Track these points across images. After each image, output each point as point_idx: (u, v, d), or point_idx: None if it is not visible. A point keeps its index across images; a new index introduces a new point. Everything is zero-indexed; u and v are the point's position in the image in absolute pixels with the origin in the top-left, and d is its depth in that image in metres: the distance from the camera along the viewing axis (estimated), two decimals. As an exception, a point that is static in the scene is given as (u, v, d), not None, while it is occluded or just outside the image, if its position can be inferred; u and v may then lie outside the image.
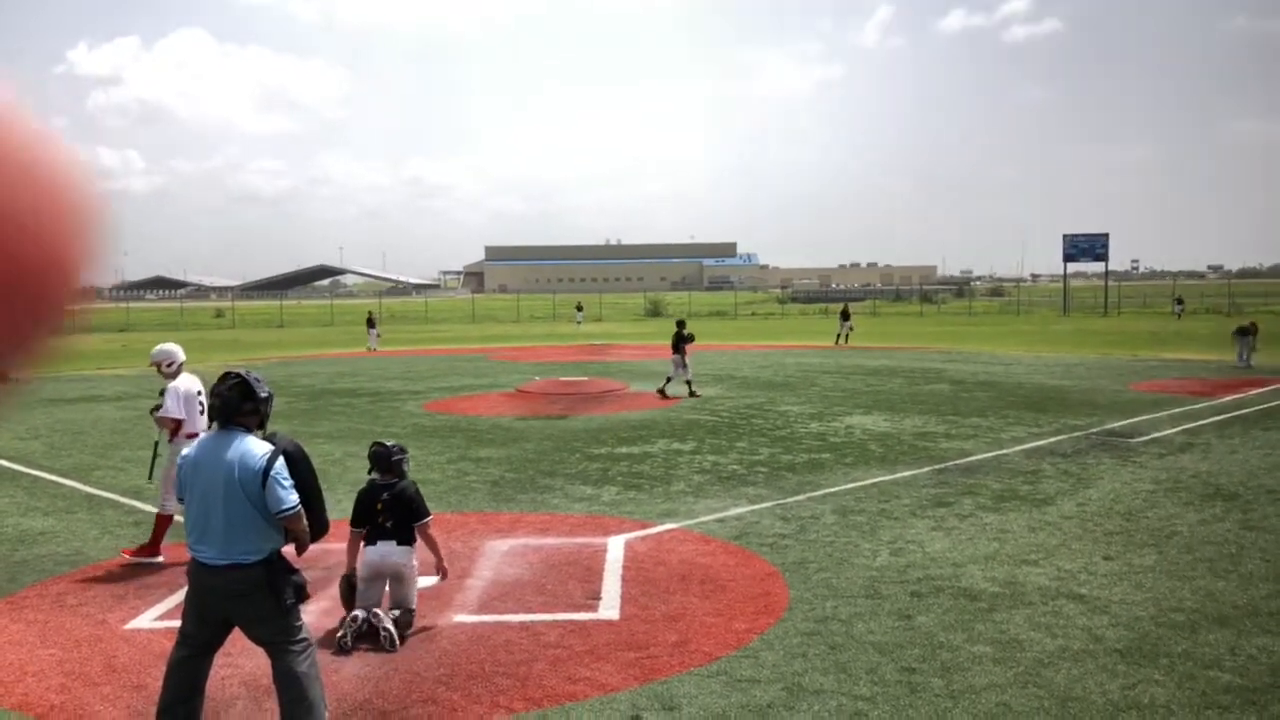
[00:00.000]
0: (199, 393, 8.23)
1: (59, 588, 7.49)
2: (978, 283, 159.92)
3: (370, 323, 41.05)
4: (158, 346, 8.59)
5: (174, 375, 8.36)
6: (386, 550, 6.46)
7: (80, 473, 12.27)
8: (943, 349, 33.94)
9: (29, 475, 12.23)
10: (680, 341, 20.10)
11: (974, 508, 9.69)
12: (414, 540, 6.58)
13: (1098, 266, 73.52)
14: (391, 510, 6.55)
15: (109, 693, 5.50)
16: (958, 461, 12.20)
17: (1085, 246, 70.61)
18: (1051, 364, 26.88)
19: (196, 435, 7.77)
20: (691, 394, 19.61)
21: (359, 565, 6.50)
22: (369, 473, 6.81)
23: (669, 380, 19.96)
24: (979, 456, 12.54)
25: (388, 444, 6.83)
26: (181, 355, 8.55)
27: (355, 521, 6.59)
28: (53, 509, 10.28)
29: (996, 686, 5.41)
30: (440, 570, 6.74)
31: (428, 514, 6.70)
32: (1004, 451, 12.89)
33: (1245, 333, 25.33)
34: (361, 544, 6.58)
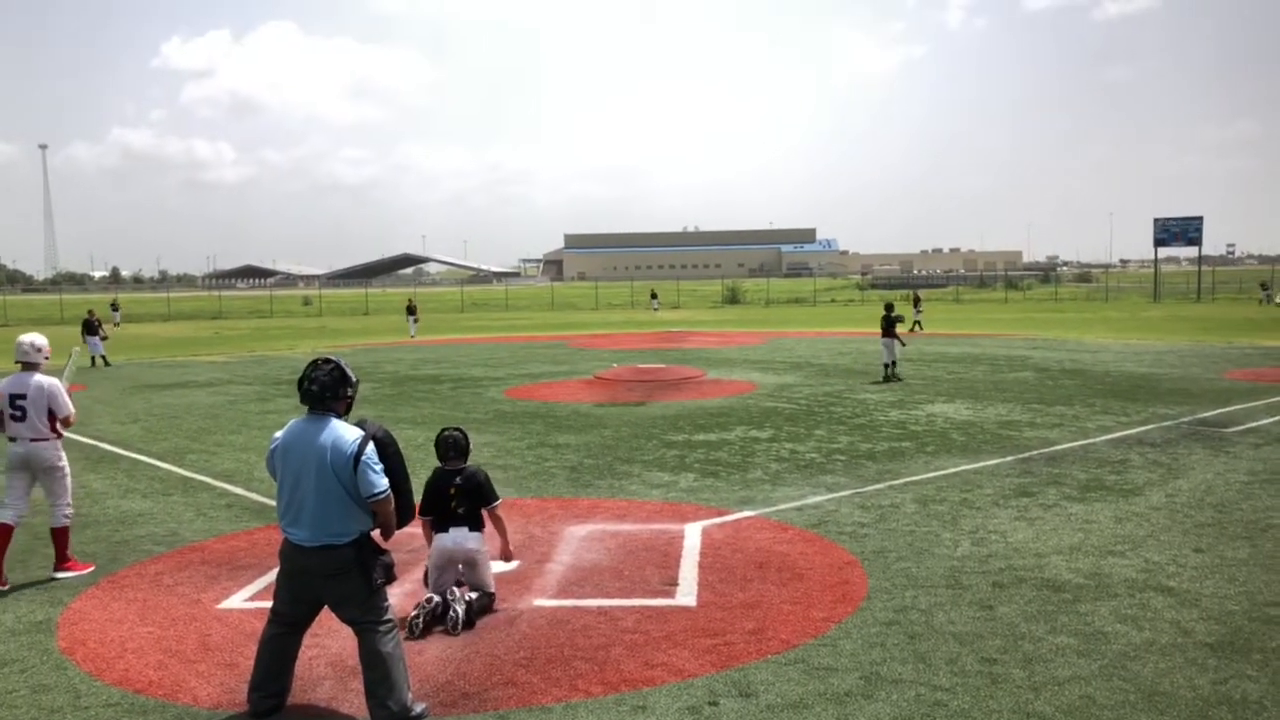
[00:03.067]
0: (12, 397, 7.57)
1: (157, 567, 7.81)
2: (1064, 268, 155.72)
3: (410, 310, 41.79)
4: (35, 338, 7.84)
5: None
6: (459, 536, 6.55)
7: (175, 456, 12.74)
8: (1027, 336, 33.20)
9: (128, 458, 12.74)
10: (890, 325, 20.35)
11: (1058, 498, 9.49)
12: (484, 526, 6.68)
13: (1190, 251, 71.13)
14: (463, 496, 6.60)
15: (203, 670, 5.73)
16: (1042, 451, 11.95)
17: (1177, 230, 68.26)
18: (1141, 351, 26.11)
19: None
20: (889, 378, 19.78)
21: (431, 553, 6.61)
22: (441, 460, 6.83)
23: (894, 364, 20.16)
24: (1064, 446, 12.27)
25: (462, 429, 6.93)
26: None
27: (425, 510, 6.62)
28: (150, 491, 10.69)
29: (1080, 679, 5.31)
30: (505, 554, 6.88)
31: (498, 498, 6.78)
32: (1090, 441, 12.58)
33: None
34: (433, 531, 6.67)
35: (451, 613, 6.23)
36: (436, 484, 6.66)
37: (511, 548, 6.94)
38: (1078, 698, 5.08)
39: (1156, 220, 68.43)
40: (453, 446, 6.80)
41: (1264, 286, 59.18)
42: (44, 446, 7.60)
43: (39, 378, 7.63)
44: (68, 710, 5.20)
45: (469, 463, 6.85)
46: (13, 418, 7.53)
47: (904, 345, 20.83)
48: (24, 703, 5.30)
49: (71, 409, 7.80)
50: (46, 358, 7.78)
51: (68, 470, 7.82)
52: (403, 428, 14.55)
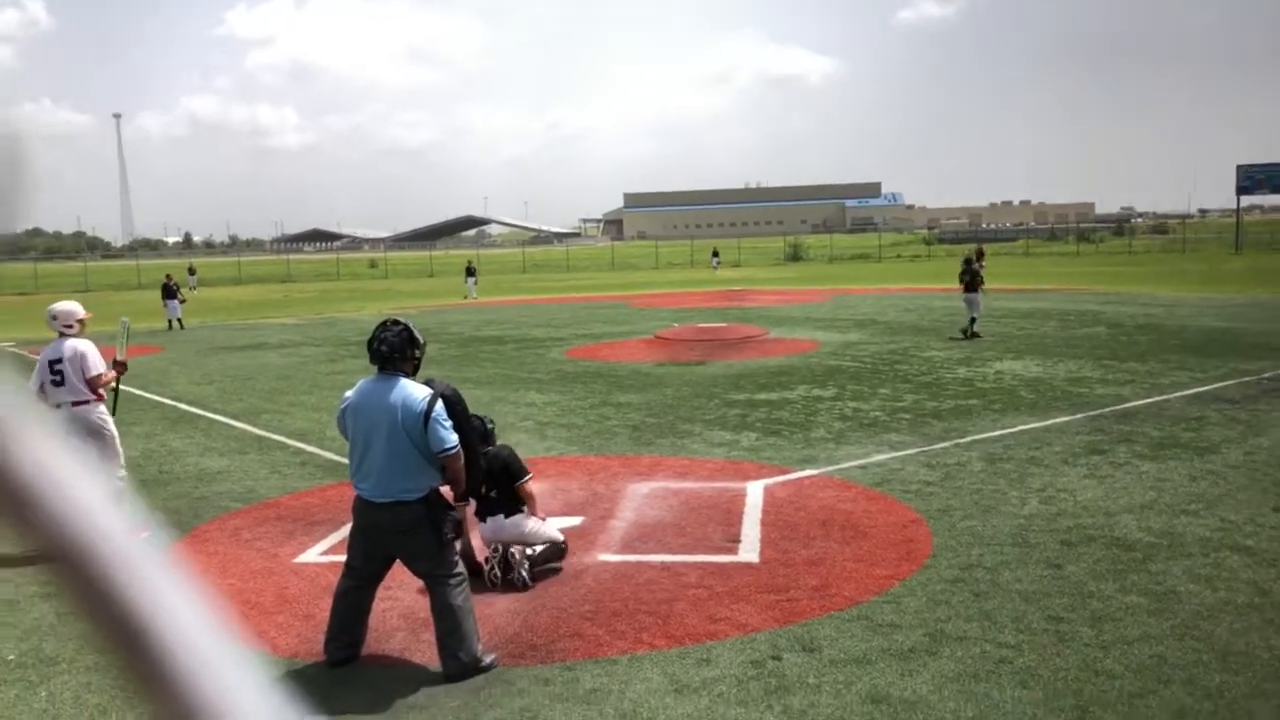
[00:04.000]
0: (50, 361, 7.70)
1: (235, 523, 8.06)
2: (1139, 219, 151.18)
3: (470, 271, 42.04)
4: (64, 305, 8.01)
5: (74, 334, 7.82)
6: (496, 525, 6.47)
7: (250, 416, 13.08)
8: (1100, 290, 32.40)
9: (206, 418, 13.12)
10: (973, 278, 19.72)
11: (1130, 455, 9.31)
12: (521, 504, 6.57)
13: (1276, 199, 68.49)
14: (493, 477, 6.50)
15: (282, 621, 5.92)
16: (1114, 408, 11.71)
17: (1262, 177, 65.61)
18: (1220, 305, 25.34)
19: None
20: (968, 334, 19.20)
21: (475, 541, 6.52)
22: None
23: (973, 321, 19.44)
24: (1137, 403, 12.01)
25: (481, 416, 6.79)
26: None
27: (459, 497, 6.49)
28: (227, 450, 11.01)
29: (1151, 638, 5.24)
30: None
31: (527, 472, 6.66)
32: (1165, 398, 12.29)
33: None
34: (473, 518, 6.54)
35: (516, 575, 6.27)
36: (470, 485, 6.47)
37: (543, 514, 6.76)
38: (1148, 657, 5.02)
39: (1240, 167, 65.89)
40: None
41: None
42: (85, 410, 7.65)
43: (73, 342, 7.70)
44: (155, 658, 5.42)
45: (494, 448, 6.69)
46: (53, 383, 7.61)
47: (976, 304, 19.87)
48: (114, 651, 5.54)
49: (102, 369, 7.72)
50: (72, 323, 7.79)
51: (115, 433, 7.86)
52: (468, 387, 14.71)
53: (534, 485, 6.77)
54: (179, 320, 28.51)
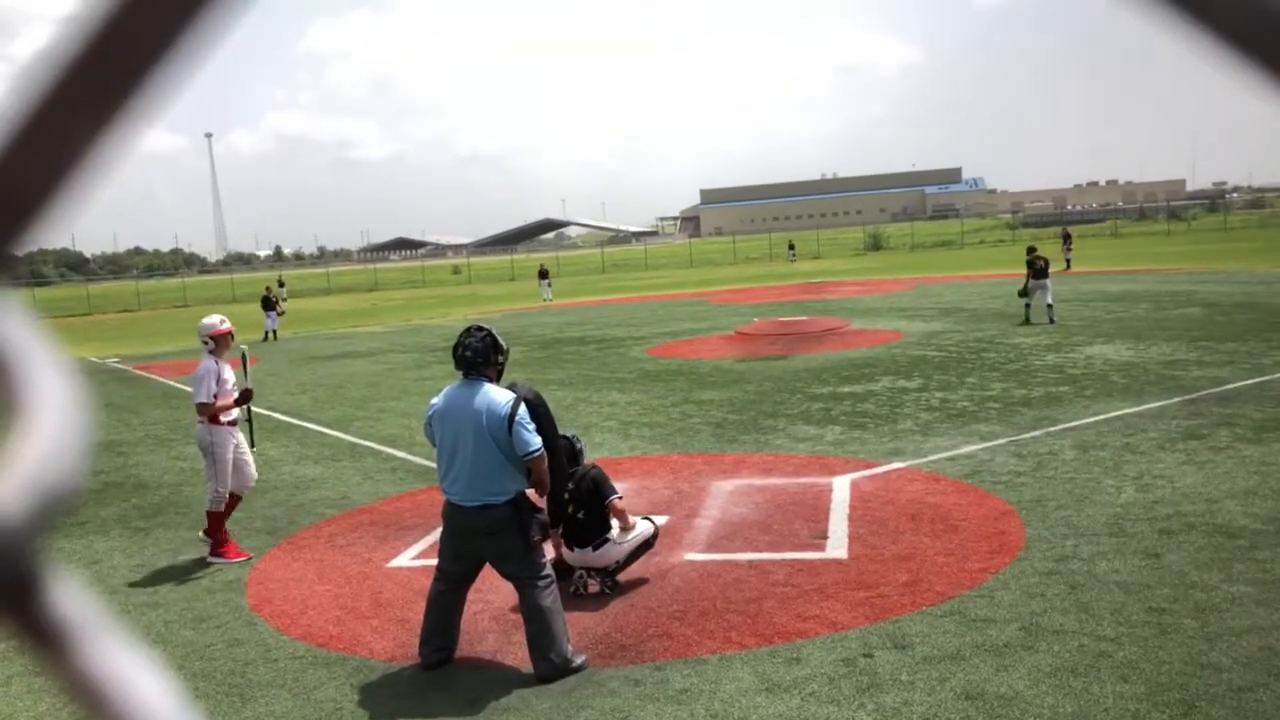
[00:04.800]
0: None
1: (331, 529, 8.29)
2: (1234, 195, 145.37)
3: (543, 274, 42.24)
4: (204, 320, 8.04)
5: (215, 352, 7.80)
6: (585, 558, 6.32)
7: (342, 424, 13.43)
8: (1194, 270, 31.29)
9: (300, 427, 13.50)
10: (1043, 267, 19.54)
11: (1231, 439, 8.99)
12: (609, 527, 6.38)
13: (1383, 166, 65.14)
14: (580, 499, 6.37)
15: (377, 625, 6.08)
16: (1212, 390, 11.31)
17: (1367, 145, 62.59)
18: (1326, 279, 24.25)
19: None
20: (1050, 319, 18.90)
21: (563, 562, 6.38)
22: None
23: (1050, 306, 19.28)
24: (1237, 384, 11.57)
25: (569, 434, 6.72)
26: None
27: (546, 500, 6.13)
28: (321, 457, 11.32)
29: (1260, 629, 5.06)
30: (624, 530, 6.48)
31: (615, 491, 6.47)
32: (1267, 379, 11.83)
33: None
34: (561, 542, 6.42)
35: (602, 585, 6.27)
36: (555, 491, 6.20)
37: (633, 520, 6.53)
38: (1257, 649, 4.85)
39: (1341, 136, 62.90)
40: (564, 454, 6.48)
41: None
42: (198, 430, 7.82)
43: (201, 363, 7.78)
44: (260, 662, 5.62)
45: (582, 466, 6.63)
46: None
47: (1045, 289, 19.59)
48: (221, 655, 5.76)
49: (202, 398, 7.52)
50: (205, 339, 7.78)
51: (217, 455, 7.63)
52: (551, 389, 14.89)
53: (624, 505, 6.55)
54: (274, 332, 29.35)
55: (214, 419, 7.64)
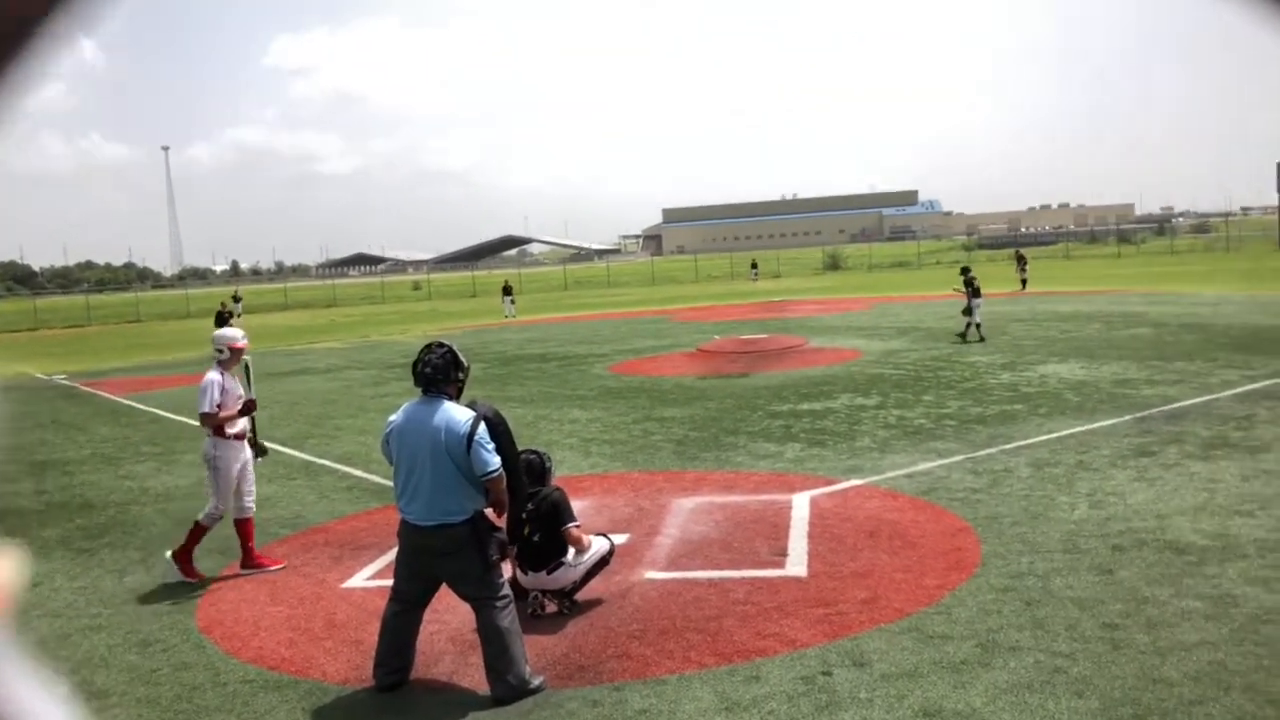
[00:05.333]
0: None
1: (283, 549, 8.16)
2: (1180, 219, 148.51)
3: (506, 290, 42.27)
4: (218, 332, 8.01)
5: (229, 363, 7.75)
6: (539, 581, 6.24)
7: (297, 441, 13.25)
8: (1143, 291, 31.90)
9: (254, 446, 13.29)
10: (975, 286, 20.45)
11: (1180, 456, 9.14)
12: (564, 551, 6.25)
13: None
14: (538, 521, 6.24)
15: (331, 647, 5.98)
16: (1162, 409, 11.51)
17: (1305, 172, 64.24)
18: (1266, 302, 24.84)
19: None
20: (977, 338, 19.82)
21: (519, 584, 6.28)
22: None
23: (979, 325, 20.21)
24: (1185, 403, 11.79)
25: (538, 451, 6.63)
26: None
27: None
28: (274, 476, 11.14)
29: (1209, 643, 5.13)
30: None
31: (573, 518, 6.32)
32: (1213, 397, 12.06)
33: None
34: (515, 564, 6.26)
35: (560, 606, 6.22)
36: (514, 512, 6.09)
37: (588, 541, 6.40)
38: (1207, 663, 4.92)
39: (1279, 164, 64.63)
40: (526, 471, 6.33)
41: None
42: (204, 443, 7.70)
43: (206, 374, 7.67)
44: (208, 686, 5.50)
45: (548, 486, 6.45)
46: None
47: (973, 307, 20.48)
48: (167, 680, 5.63)
49: (205, 407, 7.48)
50: (222, 347, 7.69)
51: (221, 469, 7.53)
52: (512, 406, 14.81)
53: (581, 530, 6.40)
54: None
55: (219, 431, 7.54)
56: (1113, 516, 7.45)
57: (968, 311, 20.40)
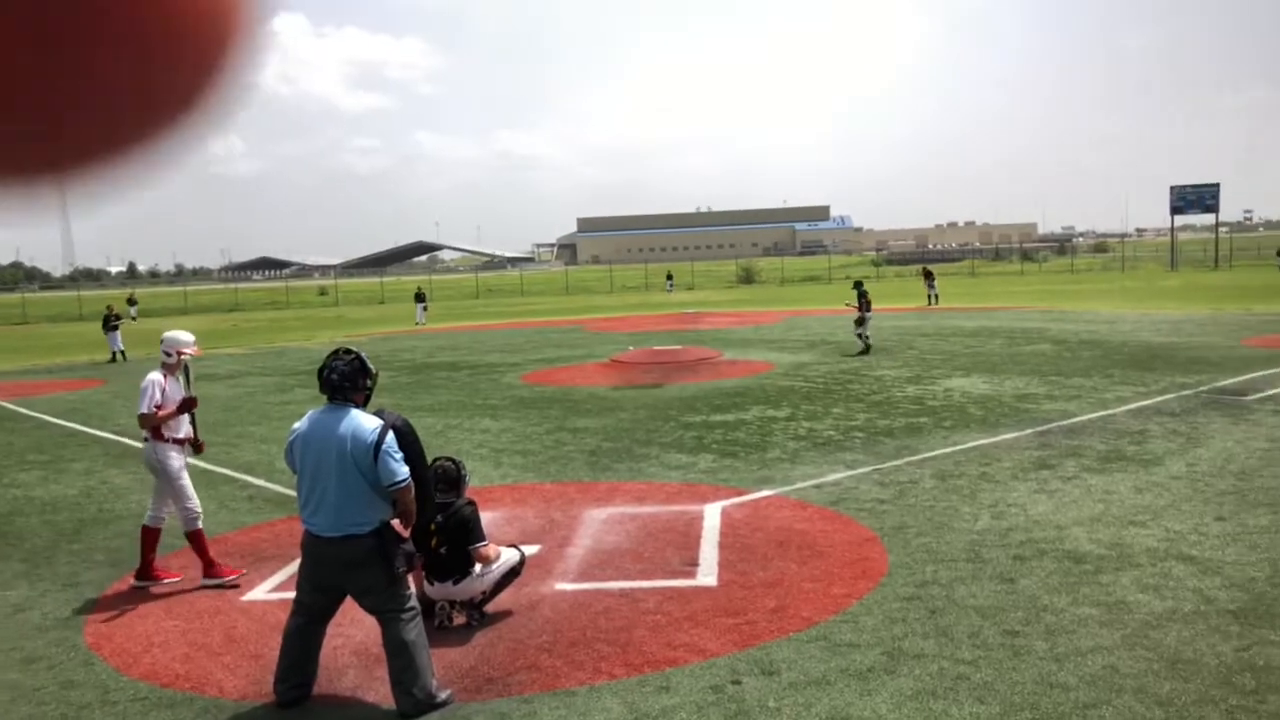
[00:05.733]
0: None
1: (180, 561, 7.86)
2: (1080, 239, 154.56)
3: (419, 298, 41.87)
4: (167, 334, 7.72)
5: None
6: (446, 591, 6.14)
7: (197, 450, 12.80)
8: (1044, 308, 32.99)
9: (150, 453, 12.83)
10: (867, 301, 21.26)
11: (1078, 469, 9.45)
12: (472, 563, 6.15)
13: (1208, 219, 70.42)
14: (445, 535, 6.13)
15: (229, 662, 5.78)
16: (1061, 423, 11.89)
17: (1194, 198, 67.51)
18: (1159, 321, 25.92)
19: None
20: (867, 349, 20.70)
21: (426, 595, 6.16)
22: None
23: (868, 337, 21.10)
24: (1083, 417, 12.20)
25: (454, 460, 6.49)
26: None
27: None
28: (173, 485, 10.76)
29: (1103, 649, 5.30)
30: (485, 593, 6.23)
31: (483, 538, 6.20)
32: (1109, 412, 12.51)
33: None
34: (422, 574, 6.17)
35: (469, 618, 6.14)
36: (421, 522, 5.85)
37: (496, 551, 6.30)
38: (1101, 668, 5.07)
39: (1173, 188, 67.70)
40: (442, 478, 6.23)
41: (1279, 253, 58.60)
42: (144, 450, 7.41)
43: (147, 375, 7.39)
44: (96, 706, 5.26)
45: (461, 496, 6.32)
46: None
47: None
48: (53, 699, 5.37)
49: (144, 408, 7.20)
50: (171, 352, 7.43)
51: (171, 473, 7.24)
52: (421, 416, 14.59)
53: (489, 549, 6.25)
54: (121, 353, 28.06)
55: (158, 434, 7.26)
56: (1014, 527, 7.66)
57: (860, 323, 21.09)
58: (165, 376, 7.43)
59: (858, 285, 22.10)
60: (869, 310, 21.13)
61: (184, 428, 7.48)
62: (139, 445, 13.17)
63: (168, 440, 7.32)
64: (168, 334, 7.68)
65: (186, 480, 7.36)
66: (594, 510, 8.77)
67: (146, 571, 7.30)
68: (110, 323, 28.37)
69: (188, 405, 7.49)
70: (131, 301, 54.59)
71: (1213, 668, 5.02)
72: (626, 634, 5.86)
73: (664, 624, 5.98)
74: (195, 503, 7.35)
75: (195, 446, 7.64)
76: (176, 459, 7.34)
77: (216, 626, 6.36)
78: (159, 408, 7.26)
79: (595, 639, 5.80)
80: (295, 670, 5.18)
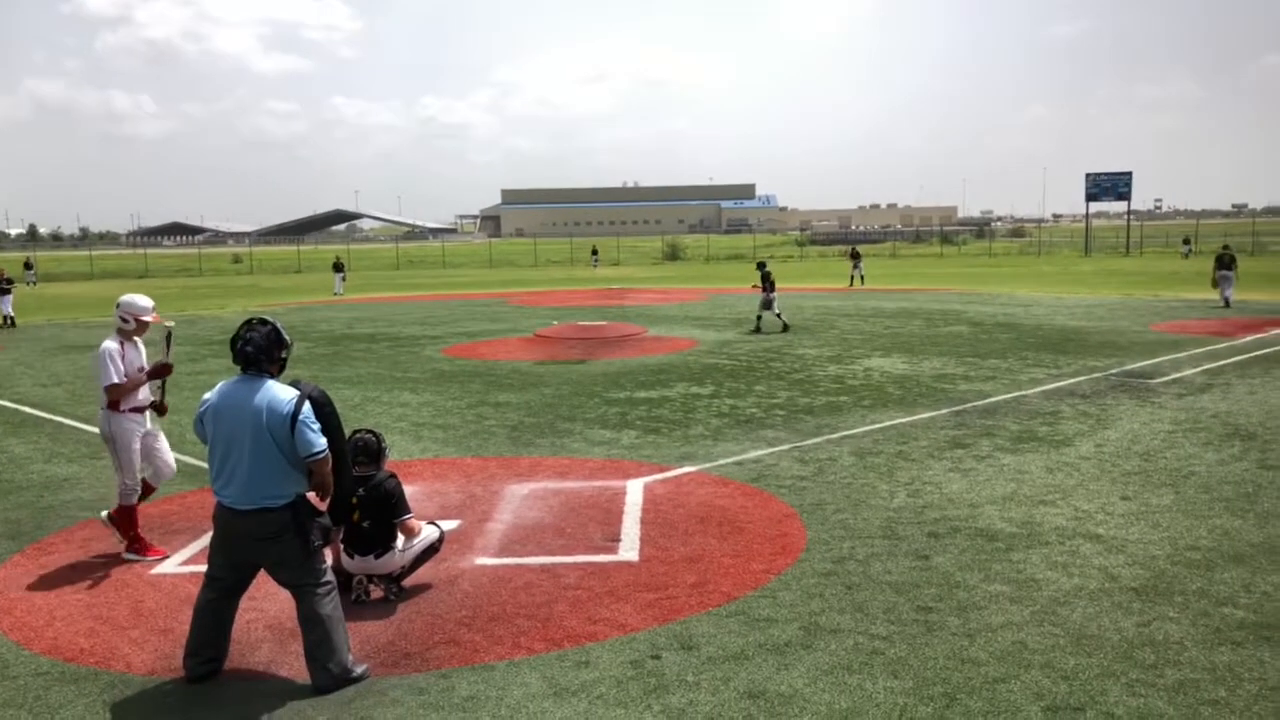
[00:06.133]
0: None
1: (85, 533, 7.62)
2: (998, 223, 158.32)
3: (337, 267, 41.22)
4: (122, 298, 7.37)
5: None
6: (366, 565, 6.05)
7: (104, 419, 12.39)
8: (962, 290, 33.72)
9: (52, 422, 12.39)
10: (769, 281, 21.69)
11: (992, 449, 9.69)
12: (394, 536, 6.10)
13: (1120, 206, 72.72)
14: (367, 508, 6.04)
15: (136, 636, 5.61)
16: (976, 403, 12.17)
17: (1108, 185, 69.72)
18: (1072, 305, 26.69)
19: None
20: (759, 330, 21.24)
21: (343, 569, 6.07)
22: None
23: (761, 318, 21.66)
24: (998, 398, 12.51)
25: (374, 432, 6.37)
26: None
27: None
28: (77, 455, 10.42)
29: (1013, 625, 5.45)
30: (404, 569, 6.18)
31: (408, 510, 6.16)
32: (1023, 393, 12.85)
33: (1226, 266, 25.48)
34: (341, 547, 6.09)
35: (386, 592, 6.07)
36: (340, 493, 5.71)
37: (420, 536, 6.22)
38: (1010, 643, 5.21)
39: (1088, 175, 69.81)
40: (362, 450, 6.15)
41: (1185, 242, 60.86)
42: (99, 418, 7.11)
43: (102, 344, 7.06)
44: (-5, 680, 5.06)
45: (382, 469, 6.22)
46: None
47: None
48: (-52, 674, 5.15)
49: (114, 378, 6.90)
50: (128, 318, 7.11)
51: (120, 444, 6.99)
52: (339, 388, 14.34)
53: (414, 522, 6.20)
54: (10, 318, 27.09)
55: (114, 405, 6.96)
56: (929, 505, 7.82)
57: (767, 305, 21.49)
58: (122, 344, 7.11)
59: (761, 266, 22.61)
60: (773, 290, 21.54)
61: (144, 395, 7.20)
62: (43, 415, 12.73)
63: (124, 411, 7.04)
64: (124, 298, 7.30)
65: (136, 454, 7.08)
66: (516, 485, 8.72)
67: (138, 546, 7.02)
68: (0, 286, 27.34)
69: (161, 371, 7.21)
70: (28, 265, 52.55)
71: (1115, 643, 5.19)
72: (547, 609, 5.84)
73: (585, 599, 5.98)
74: (135, 480, 7.09)
75: (159, 409, 7.35)
76: (133, 429, 7.07)
77: (123, 600, 6.17)
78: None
79: (515, 614, 5.77)
80: (207, 645, 5.05)
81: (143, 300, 7.28)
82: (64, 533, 7.64)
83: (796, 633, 5.42)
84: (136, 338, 7.24)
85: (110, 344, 7.07)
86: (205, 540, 6.18)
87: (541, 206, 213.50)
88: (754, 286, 22.35)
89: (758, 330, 21.10)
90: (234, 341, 5.04)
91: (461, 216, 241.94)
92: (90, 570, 6.75)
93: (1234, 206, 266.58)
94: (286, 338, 5.13)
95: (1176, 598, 5.80)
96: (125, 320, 7.15)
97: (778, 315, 21.35)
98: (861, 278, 38.04)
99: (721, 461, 9.41)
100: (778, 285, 21.94)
